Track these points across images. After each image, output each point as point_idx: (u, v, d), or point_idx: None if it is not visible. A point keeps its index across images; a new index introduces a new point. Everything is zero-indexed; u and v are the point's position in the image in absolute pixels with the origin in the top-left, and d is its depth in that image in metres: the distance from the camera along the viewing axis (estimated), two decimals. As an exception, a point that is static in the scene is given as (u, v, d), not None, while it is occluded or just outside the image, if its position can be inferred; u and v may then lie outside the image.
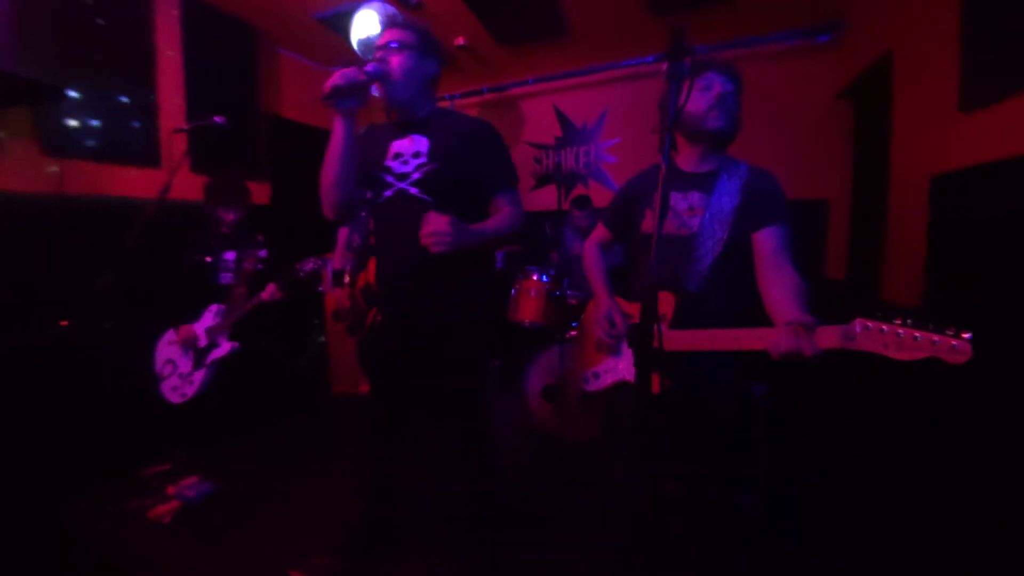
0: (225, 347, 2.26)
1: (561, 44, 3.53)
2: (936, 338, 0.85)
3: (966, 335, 0.84)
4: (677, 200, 1.36)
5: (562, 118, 4.22)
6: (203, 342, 2.28)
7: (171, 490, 2.09)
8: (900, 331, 0.89)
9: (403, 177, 1.44)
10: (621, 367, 1.39)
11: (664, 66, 0.91)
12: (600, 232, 1.64)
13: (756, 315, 1.20)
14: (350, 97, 1.28)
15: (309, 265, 2.28)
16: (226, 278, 2.38)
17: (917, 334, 0.87)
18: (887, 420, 2.05)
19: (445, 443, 1.64)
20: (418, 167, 1.43)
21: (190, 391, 2.23)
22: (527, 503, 2.06)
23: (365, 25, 2.51)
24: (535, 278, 2.81)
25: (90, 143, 2.39)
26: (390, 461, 1.70)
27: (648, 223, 1.40)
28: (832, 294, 3.11)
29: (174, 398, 2.25)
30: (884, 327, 0.90)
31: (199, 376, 2.24)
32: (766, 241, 1.25)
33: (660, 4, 2.96)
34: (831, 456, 2.34)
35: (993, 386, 1.47)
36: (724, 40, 3.25)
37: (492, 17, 3.17)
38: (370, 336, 1.62)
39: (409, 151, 1.46)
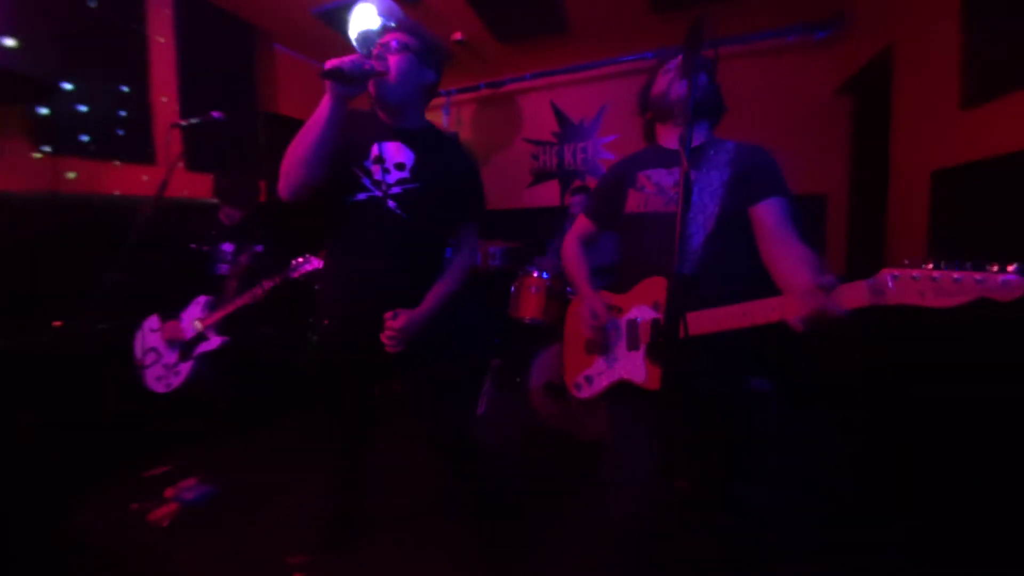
0: (215, 341, 2.21)
1: (560, 40, 3.51)
2: (980, 276, 0.76)
3: (1012, 267, 0.74)
4: (662, 176, 1.30)
5: (559, 114, 4.20)
6: (189, 334, 2.21)
7: (169, 492, 2.06)
8: (936, 275, 0.78)
9: (381, 186, 1.40)
10: (619, 366, 1.31)
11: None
12: (581, 225, 1.53)
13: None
14: (349, 84, 1.24)
15: (308, 266, 2.23)
16: (222, 268, 2.32)
17: (956, 275, 0.77)
18: (901, 412, 2.05)
19: (421, 440, 1.61)
20: (399, 181, 1.40)
21: (176, 382, 2.18)
22: (524, 500, 2.04)
23: (364, 19, 2.47)
24: (535, 275, 2.80)
25: (84, 140, 2.36)
26: (354, 459, 1.70)
27: (632, 204, 1.34)
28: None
29: (158, 388, 2.20)
30: (916, 273, 0.80)
31: (185, 368, 2.19)
32: (766, 214, 1.17)
33: (660, 0, 2.95)
34: (842, 451, 2.34)
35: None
36: (723, 36, 3.24)
37: (491, 13, 3.15)
38: (324, 342, 1.54)
39: (392, 160, 1.41)
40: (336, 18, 3.03)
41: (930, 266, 0.80)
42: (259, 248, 2.33)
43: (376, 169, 1.40)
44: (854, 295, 0.87)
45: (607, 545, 1.45)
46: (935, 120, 2.09)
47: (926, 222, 2.10)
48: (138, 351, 2.27)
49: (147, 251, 1.83)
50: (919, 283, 0.80)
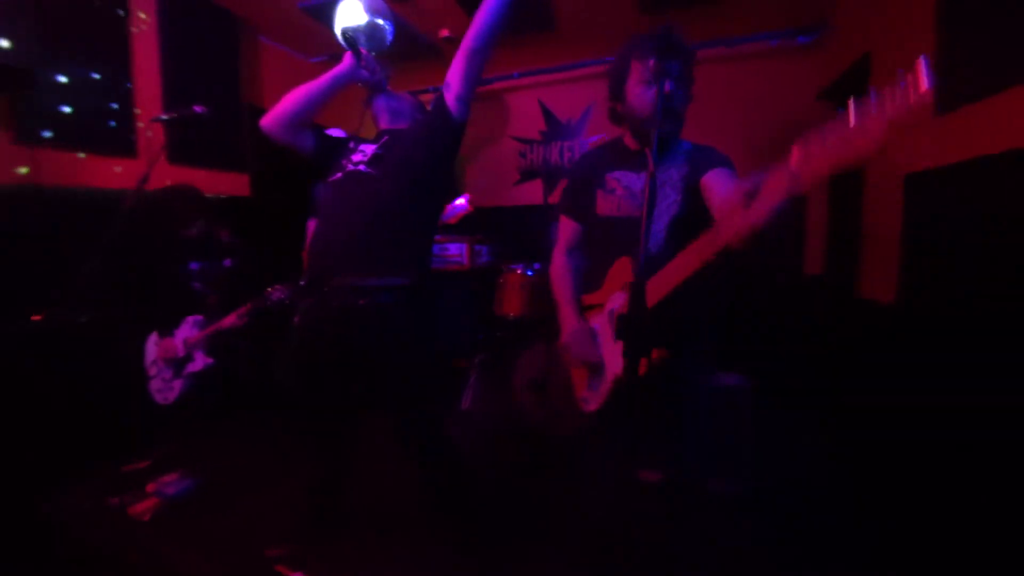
0: (199, 362, 2.25)
1: (548, 39, 3.53)
2: (886, 94, 0.66)
3: (922, 71, 0.63)
4: (631, 180, 1.32)
5: (547, 113, 4.22)
6: (181, 353, 2.26)
7: (150, 487, 2.06)
8: (845, 121, 0.70)
9: (357, 163, 1.54)
10: (609, 365, 1.27)
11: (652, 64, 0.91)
12: (566, 230, 1.48)
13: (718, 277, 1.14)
14: (359, 62, 1.56)
15: (277, 295, 2.24)
16: (196, 287, 2.35)
17: (863, 106, 0.68)
18: (876, 412, 2.11)
19: (392, 436, 1.60)
20: (372, 153, 1.55)
21: (171, 396, 2.26)
22: (504, 497, 2.07)
23: (349, 14, 2.46)
24: (519, 272, 2.83)
25: (65, 132, 2.32)
26: (331, 453, 1.70)
27: (603, 206, 1.34)
28: (811, 289, 3.19)
29: (158, 399, 2.29)
30: (824, 137, 0.73)
31: (178, 385, 2.26)
32: (714, 178, 1.21)
33: (648, 1, 2.98)
34: (818, 448, 2.39)
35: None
36: (709, 39, 3.28)
37: (473, 5, 3.15)
38: (300, 329, 1.57)
39: (371, 148, 1.57)
40: (323, 12, 3.01)
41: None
42: (227, 263, 2.34)
43: (356, 156, 1.56)
44: (774, 188, 0.80)
45: (584, 541, 1.47)
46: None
47: (899, 225, 2.16)
48: (147, 362, 2.32)
49: (128, 247, 1.82)
50: (827, 145, 0.73)
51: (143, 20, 2.65)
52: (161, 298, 2.34)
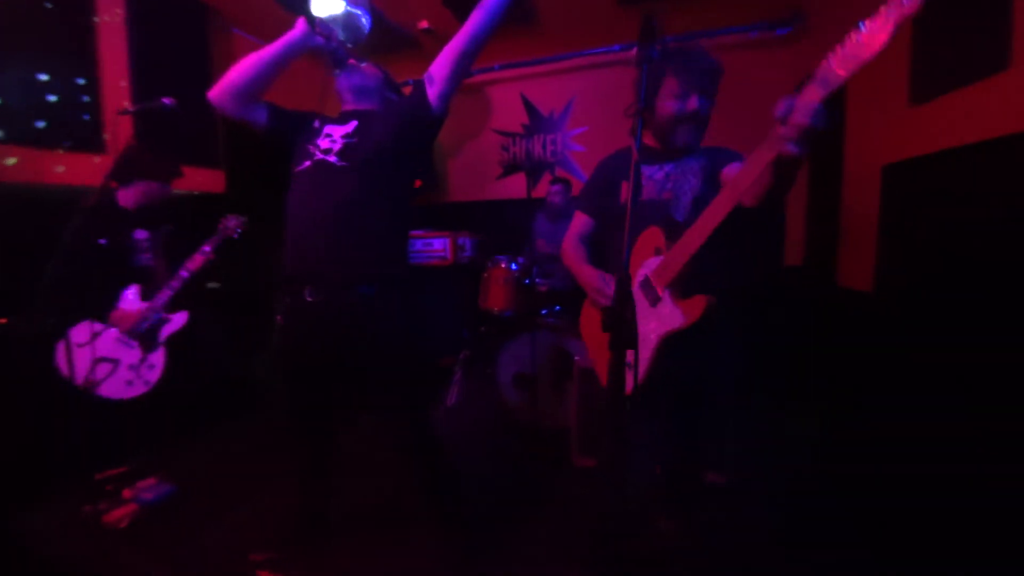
0: (179, 318, 2.07)
1: (528, 31, 3.49)
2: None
3: None
4: (653, 171, 1.41)
5: (529, 106, 4.19)
6: (143, 325, 2.03)
7: (127, 493, 1.99)
8: (860, 26, 0.84)
9: (326, 152, 1.44)
10: (653, 327, 1.28)
11: (634, 52, 0.91)
12: (578, 223, 1.59)
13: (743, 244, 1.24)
14: (314, 30, 1.42)
15: (233, 223, 2.12)
16: (143, 259, 2.11)
17: (871, 19, 0.83)
18: (861, 401, 2.14)
19: (378, 436, 1.56)
20: (344, 142, 1.44)
21: (153, 376, 2.00)
22: (493, 494, 2.06)
23: (325, 3, 2.40)
24: (504, 266, 2.81)
25: (26, 129, 2.22)
26: (319, 453, 1.66)
27: (626, 195, 1.39)
28: (790, 279, 3.23)
29: (134, 391, 2.01)
30: (847, 41, 0.86)
31: (159, 358, 2.02)
32: (733, 168, 1.30)
33: (626, -8, 2.96)
34: (804, 437, 2.41)
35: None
36: (688, 31, 3.28)
37: (457, 1, 3.10)
38: (285, 329, 1.50)
39: (339, 132, 1.47)
40: (297, 2, 2.93)
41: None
42: (170, 227, 2.21)
43: (324, 142, 1.46)
44: (810, 97, 0.88)
45: (578, 534, 1.47)
46: (886, 117, 2.17)
47: (877, 215, 2.19)
48: (82, 369, 1.95)
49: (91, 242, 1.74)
50: (849, 45, 0.85)
51: (109, 12, 2.55)
52: (96, 281, 2.03)
